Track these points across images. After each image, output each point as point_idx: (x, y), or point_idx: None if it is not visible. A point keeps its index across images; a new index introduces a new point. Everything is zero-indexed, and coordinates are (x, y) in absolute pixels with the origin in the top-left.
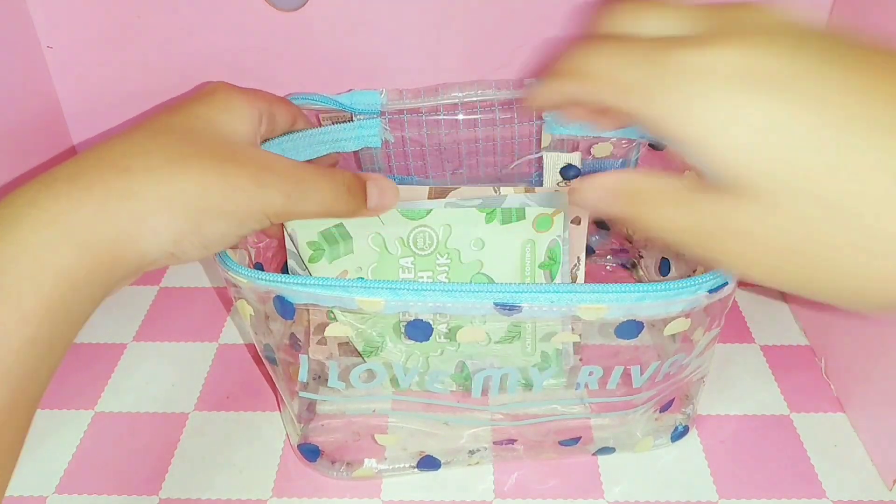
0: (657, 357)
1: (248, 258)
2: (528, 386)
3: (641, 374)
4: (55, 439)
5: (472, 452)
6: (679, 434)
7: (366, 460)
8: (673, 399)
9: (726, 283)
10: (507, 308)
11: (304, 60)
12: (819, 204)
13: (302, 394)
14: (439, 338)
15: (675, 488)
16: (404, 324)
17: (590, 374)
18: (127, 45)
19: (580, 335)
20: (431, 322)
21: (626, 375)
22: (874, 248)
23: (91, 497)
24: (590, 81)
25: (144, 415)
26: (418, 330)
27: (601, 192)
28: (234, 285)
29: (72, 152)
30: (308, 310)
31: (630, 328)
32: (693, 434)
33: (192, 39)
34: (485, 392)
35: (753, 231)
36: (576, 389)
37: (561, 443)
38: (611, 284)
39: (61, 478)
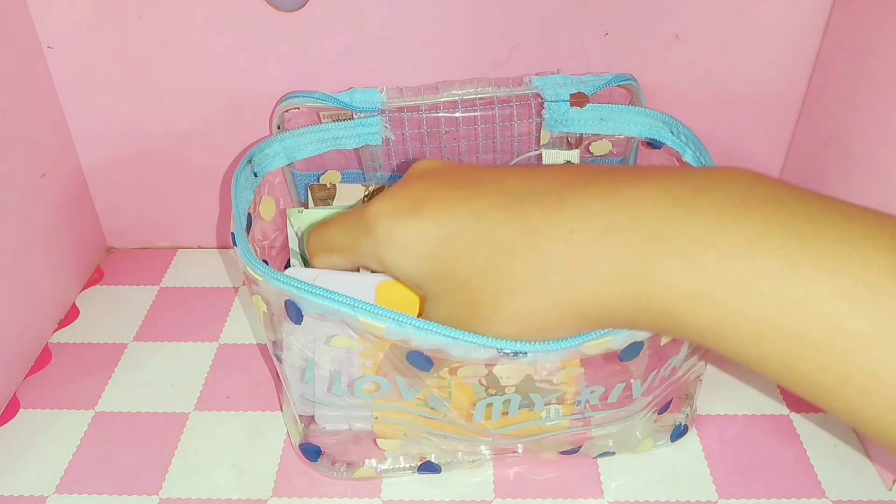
0: (653, 367)
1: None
2: (530, 407)
3: (642, 385)
4: (55, 439)
5: (473, 460)
6: (679, 433)
7: (367, 460)
8: (671, 400)
9: None
10: (513, 354)
11: (304, 60)
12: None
13: (304, 396)
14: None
15: (675, 488)
16: (406, 351)
17: (591, 393)
18: (126, 45)
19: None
20: (432, 357)
21: (627, 389)
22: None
23: (91, 497)
24: (327, 252)
25: (144, 415)
26: (420, 360)
27: None
28: (253, 281)
29: (72, 152)
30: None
31: (633, 350)
32: (693, 434)
33: (191, 39)
34: (487, 417)
35: (430, 315)
36: (576, 406)
37: (562, 452)
38: None
39: (61, 478)
